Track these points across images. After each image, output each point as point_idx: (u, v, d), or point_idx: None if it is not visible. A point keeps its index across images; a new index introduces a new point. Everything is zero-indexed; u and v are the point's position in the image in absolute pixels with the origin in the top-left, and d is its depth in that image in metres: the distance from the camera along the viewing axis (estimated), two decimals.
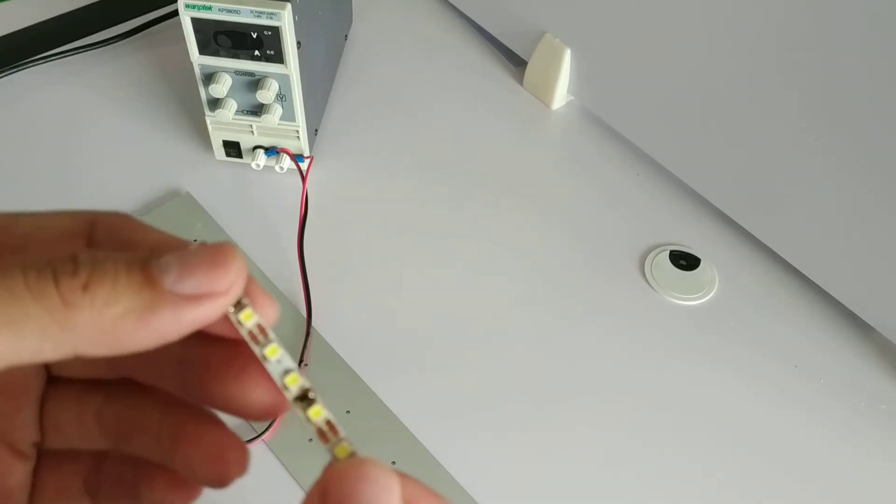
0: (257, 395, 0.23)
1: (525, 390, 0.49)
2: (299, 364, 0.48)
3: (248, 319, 0.22)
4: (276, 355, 0.22)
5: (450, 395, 0.48)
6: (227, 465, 0.25)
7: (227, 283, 0.21)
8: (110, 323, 0.20)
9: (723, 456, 0.47)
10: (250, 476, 0.47)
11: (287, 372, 0.22)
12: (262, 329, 0.22)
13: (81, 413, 0.25)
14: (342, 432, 0.22)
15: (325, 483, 0.20)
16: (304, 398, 0.22)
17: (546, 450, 0.47)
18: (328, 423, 0.22)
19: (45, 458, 0.26)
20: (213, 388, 0.23)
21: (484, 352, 0.50)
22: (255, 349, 0.22)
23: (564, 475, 0.46)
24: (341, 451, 0.21)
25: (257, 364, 0.23)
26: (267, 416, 0.24)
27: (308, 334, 0.50)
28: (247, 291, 0.22)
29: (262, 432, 0.45)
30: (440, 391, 0.49)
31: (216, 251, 0.21)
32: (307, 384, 0.22)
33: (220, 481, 0.25)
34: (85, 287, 0.20)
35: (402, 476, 0.20)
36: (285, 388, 0.22)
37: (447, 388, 0.49)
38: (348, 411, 0.47)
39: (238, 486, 0.47)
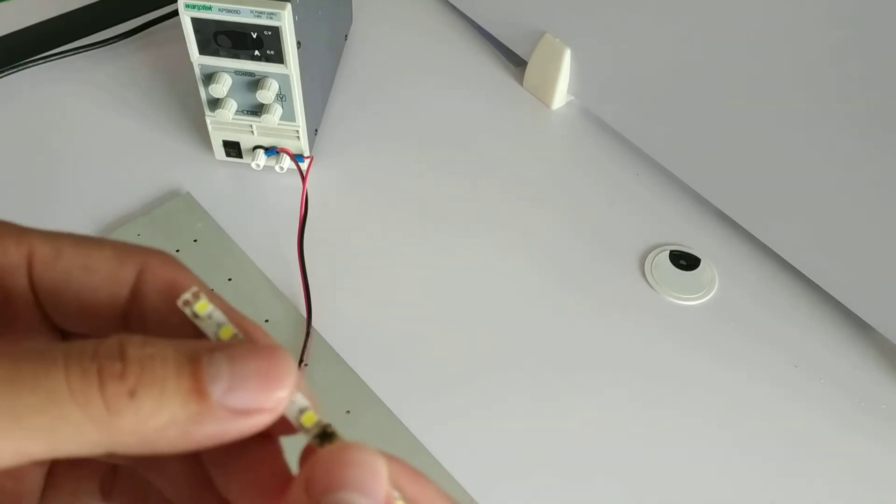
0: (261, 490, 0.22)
1: (525, 390, 0.49)
2: (299, 364, 0.48)
3: (309, 422, 0.21)
4: (312, 423, 0.21)
5: (450, 394, 0.48)
6: None
7: (281, 400, 0.20)
8: (152, 432, 0.19)
9: (723, 456, 0.47)
10: None
11: (302, 412, 0.21)
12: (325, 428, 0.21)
13: None
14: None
15: (308, 472, 0.19)
16: (325, 436, 0.21)
17: (547, 450, 0.47)
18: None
19: (60, 461, 0.25)
20: (227, 472, 0.22)
21: (484, 351, 0.50)
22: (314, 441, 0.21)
23: (564, 474, 0.46)
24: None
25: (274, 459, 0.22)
26: None
27: (308, 334, 0.50)
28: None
29: None
30: (440, 391, 0.49)
31: (271, 361, 0.20)
32: (324, 421, 0.21)
33: None
34: (132, 394, 0.18)
35: (389, 458, 0.20)
36: (302, 427, 0.21)
37: (447, 388, 0.49)
38: (348, 411, 0.47)
39: None
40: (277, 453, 0.22)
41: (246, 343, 0.21)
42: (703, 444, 0.47)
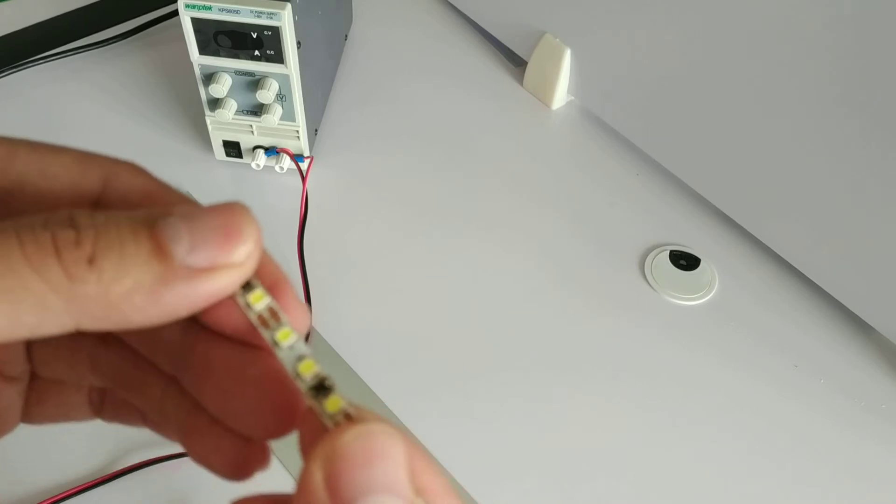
0: (261, 412, 0.21)
1: (525, 390, 0.49)
2: None
3: (258, 301, 0.20)
4: (288, 340, 0.20)
5: (450, 394, 0.48)
6: (246, 465, 0.23)
7: (245, 253, 0.19)
8: (118, 298, 0.18)
9: (723, 456, 0.47)
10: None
11: (301, 359, 0.20)
12: (273, 313, 0.20)
13: (73, 360, 0.23)
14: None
15: (329, 468, 0.17)
16: (321, 387, 0.19)
17: (547, 450, 0.47)
18: (346, 414, 0.19)
19: (41, 374, 0.24)
20: (212, 394, 0.21)
21: (484, 351, 0.50)
22: (265, 334, 0.20)
23: (564, 475, 0.46)
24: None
25: (269, 376, 0.21)
26: (270, 436, 0.22)
27: (308, 334, 0.50)
28: (279, 297, 0.20)
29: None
30: (440, 391, 0.49)
31: (228, 215, 0.19)
32: (323, 372, 0.20)
33: (237, 478, 0.23)
34: (90, 260, 0.18)
35: (406, 442, 0.18)
36: (298, 376, 0.20)
37: (447, 388, 0.49)
38: None
39: (238, 485, 0.47)
40: (277, 368, 0.21)
41: (200, 205, 0.20)
42: (702, 443, 0.47)
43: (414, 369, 0.49)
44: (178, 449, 0.44)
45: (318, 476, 0.17)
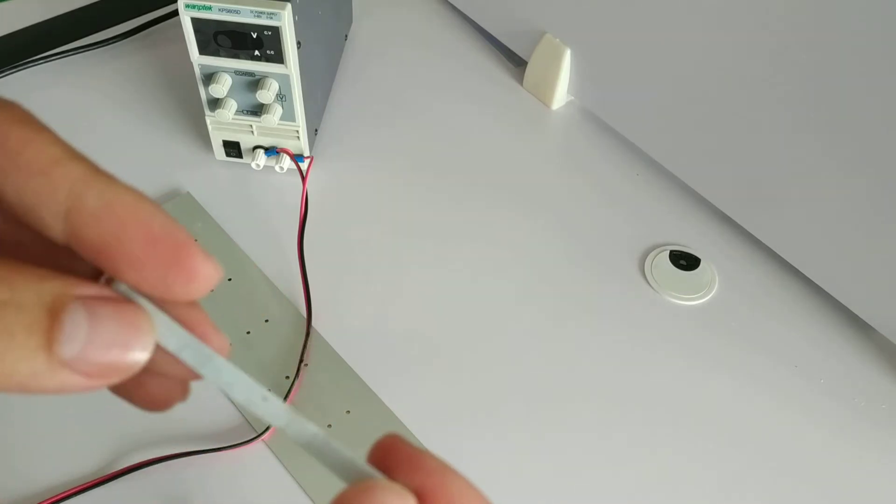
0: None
1: (525, 390, 0.49)
2: (299, 364, 0.48)
3: None
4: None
5: (450, 394, 0.48)
6: (166, 398, 0.23)
7: (131, 368, 0.19)
8: None
9: (723, 456, 0.47)
10: (250, 476, 0.48)
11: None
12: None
13: None
14: None
15: None
16: None
17: (546, 449, 0.47)
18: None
19: None
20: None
21: (484, 351, 0.50)
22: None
23: (564, 475, 0.46)
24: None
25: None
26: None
27: (308, 334, 0.50)
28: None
29: (262, 432, 0.46)
30: (440, 391, 0.49)
31: (130, 327, 0.19)
32: None
33: (155, 409, 0.23)
34: None
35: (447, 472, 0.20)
36: None
37: (447, 388, 0.49)
38: (348, 411, 0.47)
39: (238, 486, 0.47)
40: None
41: (114, 301, 0.19)
42: (702, 442, 0.47)
43: (414, 369, 0.49)
44: (178, 449, 0.45)
45: None
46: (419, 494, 0.20)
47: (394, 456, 0.21)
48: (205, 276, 0.20)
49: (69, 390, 0.19)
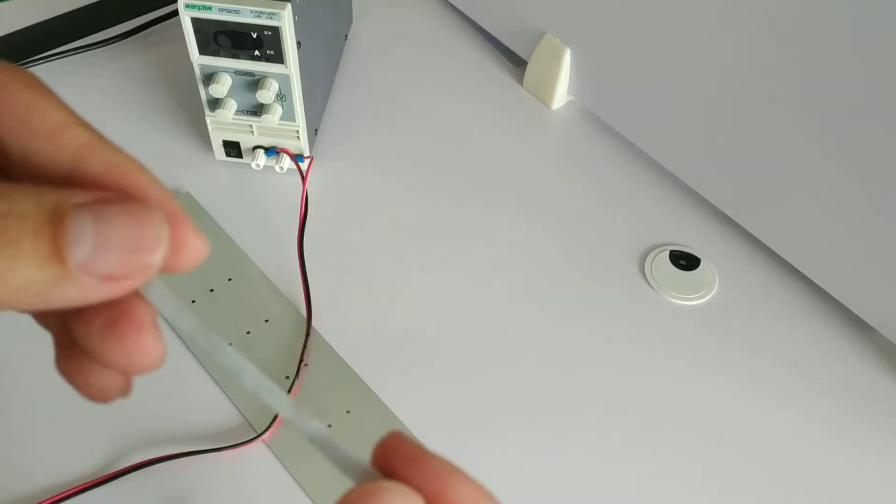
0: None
1: (526, 390, 0.49)
2: (299, 364, 0.48)
3: None
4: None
5: (450, 394, 0.48)
6: (108, 391, 0.22)
7: (148, 266, 0.19)
8: (4, 293, 0.17)
9: (723, 456, 0.47)
10: (250, 476, 0.48)
11: None
12: None
13: None
14: None
15: None
16: None
17: (546, 450, 0.47)
18: None
19: None
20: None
21: (484, 351, 0.50)
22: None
23: (564, 475, 0.46)
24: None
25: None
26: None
27: (308, 334, 0.50)
28: (174, 233, 0.20)
29: (262, 432, 0.45)
30: (440, 391, 0.49)
31: (141, 223, 0.18)
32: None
33: (98, 401, 0.22)
34: None
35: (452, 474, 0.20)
36: None
37: (447, 388, 0.49)
38: (348, 411, 0.47)
39: (238, 485, 0.47)
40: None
41: (117, 200, 0.19)
42: (702, 442, 0.47)
43: (414, 369, 0.49)
44: (178, 449, 0.45)
45: None
46: (426, 495, 0.20)
47: (398, 455, 0.21)
48: (193, 248, 0.20)
49: (92, 297, 0.18)
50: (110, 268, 0.18)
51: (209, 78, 0.53)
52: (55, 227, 0.17)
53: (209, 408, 0.47)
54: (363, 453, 0.21)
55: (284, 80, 0.53)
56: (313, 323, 0.50)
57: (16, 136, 0.20)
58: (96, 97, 0.63)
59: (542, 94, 0.64)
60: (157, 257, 0.19)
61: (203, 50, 0.52)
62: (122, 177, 0.20)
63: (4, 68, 0.20)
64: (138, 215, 0.19)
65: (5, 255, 0.17)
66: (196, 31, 0.51)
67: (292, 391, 0.47)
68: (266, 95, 0.53)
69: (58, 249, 0.17)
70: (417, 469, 0.20)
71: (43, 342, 0.23)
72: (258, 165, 0.57)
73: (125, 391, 0.22)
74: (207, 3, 0.49)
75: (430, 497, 0.20)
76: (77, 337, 0.20)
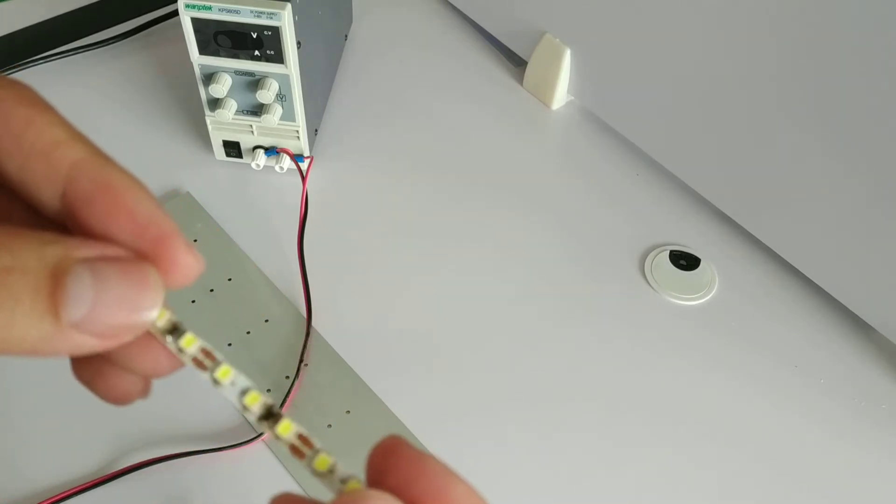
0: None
1: (525, 390, 0.49)
2: (299, 364, 0.48)
3: (190, 345, 0.21)
4: (228, 377, 0.21)
5: (450, 394, 0.48)
6: (127, 393, 0.23)
7: (144, 325, 0.19)
8: None
9: (723, 456, 0.47)
10: (250, 476, 0.48)
11: (245, 392, 0.21)
12: (207, 353, 0.21)
13: None
14: (317, 443, 0.20)
15: None
16: (269, 415, 0.21)
17: (546, 450, 0.47)
18: (300, 436, 0.21)
19: None
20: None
21: (484, 351, 0.50)
22: (204, 376, 0.21)
23: (564, 475, 0.46)
24: (321, 463, 0.20)
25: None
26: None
27: (308, 334, 0.50)
28: (166, 251, 0.20)
29: (262, 432, 0.45)
30: (440, 391, 0.49)
31: (138, 284, 0.19)
32: (269, 401, 0.21)
33: (116, 403, 0.23)
34: None
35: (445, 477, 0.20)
36: (246, 409, 0.21)
37: (447, 388, 0.49)
38: (348, 411, 0.47)
39: (238, 485, 0.47)
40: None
41: (117, 260, 0.19)
42: (702, 442, 0.47)
43: (414, 369, 0.49)
44: (178, 449, 0.45)
45: None
46: (420, 500, 0.20)
47: (395, 458, 0.21)
48: (185, 267, 0.20)
49: (82, 352, 0.19)
50: (104, 328, 0.18)
51: (209, 78, 0.53)
52: (54, 285, 0.18)
53: (209, 408, 0.47)
54: (363, 453, 0.21)
55: (284, 80, 0.53)
56: (313, 323, 0.50)
57: (9, 154, 0.20)
58: (96, 97, 0.63)
59: (542, 94, 0.64)
60: (151, 316, 0.19)
61: (203, 50, 0.52)
62: (111, 195, 0.20)
63: (0, 83, 0.20)
64: (136, 276, 0.19)
65: (4, 309, 0.17)
66: (196, 31, 0.51)
67: (292, 391, 0.47)
68: (266, 95, 0.53)
69: (54, 308, 0.18)
70: (414, 472, 0.20)
71: None
72: (258, 165, 0.57)
73: (145, 392, 0.23)
74: (207, 3, 0.49)
75: (425, 502, 0.20)
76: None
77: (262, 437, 0.46)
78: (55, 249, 0.18)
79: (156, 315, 0.19)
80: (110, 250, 0.19)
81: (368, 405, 0.47)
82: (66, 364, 0.23)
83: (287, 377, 0.48)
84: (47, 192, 0.20)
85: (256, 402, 0.21)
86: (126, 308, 0.19)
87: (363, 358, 0.49)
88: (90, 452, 0.45)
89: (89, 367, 0.22)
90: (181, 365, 0.21)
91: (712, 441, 0.47)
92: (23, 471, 0.44)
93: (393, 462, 0.20)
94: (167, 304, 0.20)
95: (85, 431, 0.46)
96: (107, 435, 0.46)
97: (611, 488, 0.45)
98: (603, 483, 0.45)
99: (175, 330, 0.20)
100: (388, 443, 0.21)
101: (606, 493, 0.45)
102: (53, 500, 0.43)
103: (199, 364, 0.21)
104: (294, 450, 0.20)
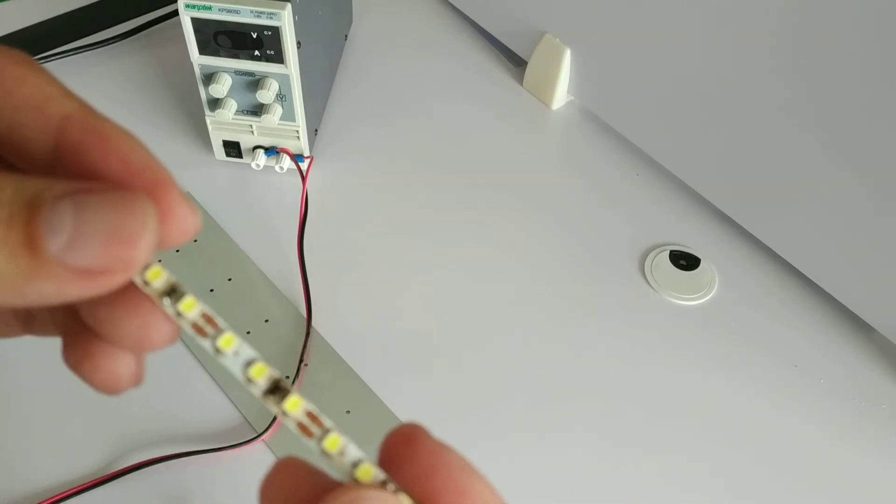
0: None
1: (525, 390, 0.49)
2: (299, 364, 0.48)
3: (190, 309, 0.19)
4: (231, 347, 0.19)
5: (450, 394, 0.48)
6: (118, 381, 0.21)
7: (131, 261, 0.17)
8: None
9: (723, 456, 0.47)
10: (250, 476, 0.47)
11: (249, 363, 0.19)
12: (209, 319, 0.19)
13: None
14: (327, 422, 0.19)
15: None
16: (276, 390, 0.19)
17: (546, 449, 0.47)
18: (309, 414, 0.19)
19: None
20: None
21: (484, 351, 0.50)
22: (204, 343, 0.19)
23: (564, 475, 0.46)
24: (331, 443, 0.19)
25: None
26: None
27: (308, 334, 0.50)
28: (161, 202, 0.19)
29: (262, 432, 0.45)
30: (440, 391, 0.49)
31: (124, 213, 0.17)
32: (276, 374, 0.19)
33: (107, 392, 0.21)
34: None
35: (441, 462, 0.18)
36: (250, 381, 0.19)
37: (447, 388, 0.49)
38: (348, 411, 0.47)
39: (238, 485, 0.47)
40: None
41: (101, 190, 0.18)
42: (702, 442, 0.47)
43: (414, 369, 0.49)
44: (178, 449, 0.45)
45: None
46: (435, 494, 0.19)
47: (414, 447, 0.20)
48: (180, 217, 0.19)
49: (70, 294, 0.17)
50: (89, 261, 0.17)
51: (209, 78, 0.53)
52: (30, 215, 0.16)
53: (209, 408, 0.47)
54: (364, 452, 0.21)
55: (284, 80, 0.53)
56: (313, 323, 0.50)
57: (2, 108, 0.19)
58: (96, 97, 0.62)
59: (542, 94, 0.64)
60: (140, 251, 0.17)
61: (203, 50, 0.52)
62: (104, 142, 0.19)
63: None
64: (122, 203, 0.17)
65: None
66: (196, 31, 0.51)
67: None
68: (266, 95, 0.53)
69: (31, 238, 0.16)
70: (432, 465, 0.19)
71: (42, 342, 0.23)
72: (258, 165, 0.57)
73: (137, 378, 0.21)
74: (207, 3, 0.49)
75: (440, 496, 0.19)
76: (85, 313, 0.19)
77: (263, 436, 0.46)
78: (34, 183, 0.17)
79: (146, 249, 0.17)
80: (95, 183, 0.18)
81: (368, 405, 0.47)
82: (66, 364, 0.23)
83: (287, 377, 0.48)
84: (39, 145, 0.19)
85: (262, 374, 0.19)
86: (111, 237, 0.17)
87: (363, 358, 0.49)
88: (90, 452, 0.45)
89: (78, 347, 0.20)
90: (177, 333, 0.19)
91: (712, 441, 0.47)
92: (23, 471, 0.44)
93: (411, 451, 0.19)
94: (165, 266, 0.19)
95: (85, 431, 0.46)
96: (107, 435, 0.46)
97: (610, 488, 0.45)
98: (602, 483, 0.45)
99: (173, 292, 0.19)
100: (406, 430, 0.20)
101: (606, 493, 0.45)
102: (53, 500, 0.43)
103: (199, 330, 0.19)
104: (302, 428, 0.18)
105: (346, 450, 0.19)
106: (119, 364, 0.20)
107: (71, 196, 0.17)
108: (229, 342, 0.19)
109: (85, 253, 0.17)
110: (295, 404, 0.19)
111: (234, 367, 0.19)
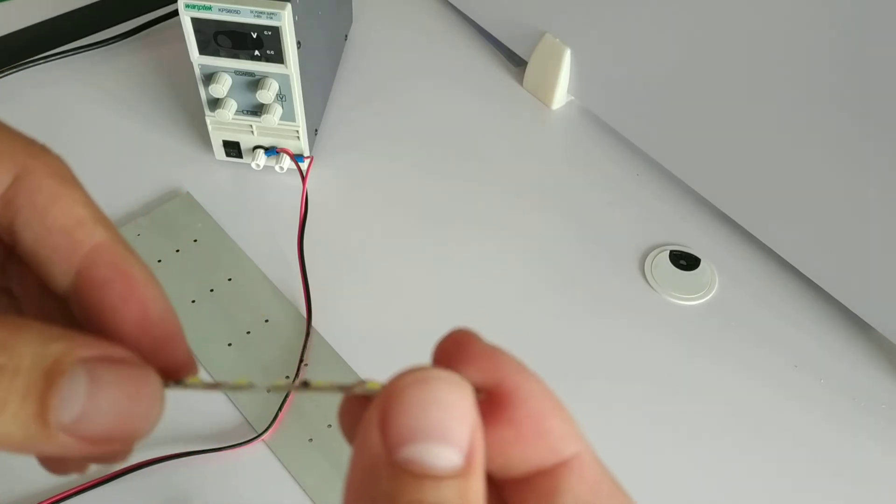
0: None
1: None
2: (299, 364, 0.48)
3: (196, 380, 0.20)
4: (246, 378, 0.21)
5: None
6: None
7: (138, 435, 0.18)
8: None
9: (722, 456, 0.47)
10: (250, 476, 0.48)
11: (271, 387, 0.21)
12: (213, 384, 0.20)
13: None
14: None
15: (384, 407, 0.17)
16: (305, 385, 0.21)
17: None
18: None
19: None
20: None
21: None
22: (222, 389, 0.20)
23: None
24: (373, 385, 0.19)
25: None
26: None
27: (308, 334, 0.50)
28: (169, 355, 0.20)
29: (262, 432, 0.45)
30: None
31: (136, 392, 0.18)
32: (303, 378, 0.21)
33: None
34: None
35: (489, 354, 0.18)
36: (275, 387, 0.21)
37: None
38: None
39: (239, 485, 0.47)
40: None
41: (118, 360, 0.18)
42: (701, 443, 0.47)
43: None
44: (178, 449, 0.45)
45: (374, 416, 0.17)
46: (493, 392, 0.19)
47: (466, 350, 0.19)
48: (181, 370, 0.20)
49: (71, 455, 0.18)
50: (94, 433, 0.18)
51: (209, 78, 0.53)
52: (46, 387, 0.17)
53: (209, 408, 0.47)
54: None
55: (284, 80, 0.53)
56: (313, 323, 0.50)
57: (30, 226, 0.20)
58: (96, 97, 0.63)
59: (542, 94, 0.64)
60: (145, 428, 0.18)
61: (203, 50, 0.52)
62: (127, 284, 0.20)
63: (33, 151, 0.20)
64: (134, 383, 0.18)
65: None
66: (196, 31, 0.51)
67: (292, 392, 0.47)
68: (266, 95, 0.53)
69: (43, 411, 0.17)
70: (487, 365, 0.19)
71: None
72: (258, 165, 0.57)
73: (84, 468, 0.21)
74: (207, 3, 0.49)
75: (498, 394, 0.19)
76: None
77: (263, 436, 0.46)
78: (56, 347, 0.17)
79: (151, 426, 0.18)
80: (114, 351, 0.18)
81: None
82: None
83: (287, 377, 0.48)
84: (61, 268, 0.20)
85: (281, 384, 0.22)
86: (120, 415, 0.18)
87: (363, 358, 0.49)
88: None
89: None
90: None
91: (712, 440, 0.47)
92: (23, 471, 0.44)
93: (464, 354, 0.19)
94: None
95: None
96: None
97: None
98: None
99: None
100: (457, 335, 0.20)
101: None
102: (53, 500, 0.43)
103: (212, 385, 0.20)
104: (341, 388, 0.20)
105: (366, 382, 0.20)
106: (69, 461, 0.21)
107: (87, 367, 0.17)
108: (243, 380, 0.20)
109: (92, 427, 0.17)
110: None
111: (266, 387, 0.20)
